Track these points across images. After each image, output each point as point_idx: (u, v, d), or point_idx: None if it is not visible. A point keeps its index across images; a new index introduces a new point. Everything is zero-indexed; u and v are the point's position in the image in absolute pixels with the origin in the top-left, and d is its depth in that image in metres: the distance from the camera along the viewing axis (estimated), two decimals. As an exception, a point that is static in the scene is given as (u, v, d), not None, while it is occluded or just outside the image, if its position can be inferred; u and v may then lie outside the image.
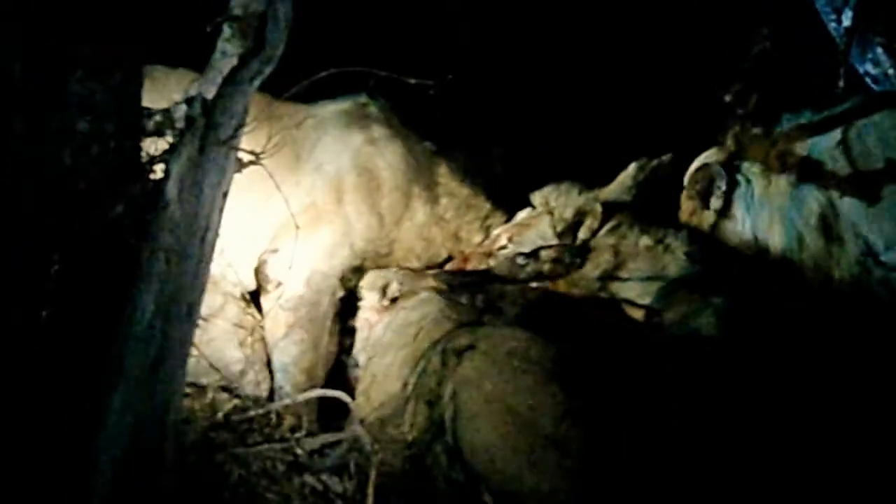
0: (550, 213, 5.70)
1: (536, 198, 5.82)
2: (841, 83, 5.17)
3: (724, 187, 5.21)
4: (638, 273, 5.30)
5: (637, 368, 4.50)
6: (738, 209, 5.25)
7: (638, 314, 5.23)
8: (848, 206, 4.80)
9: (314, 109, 5.61)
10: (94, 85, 3.08)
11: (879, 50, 5.11)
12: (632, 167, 5.55)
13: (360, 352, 5.19)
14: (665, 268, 5.29)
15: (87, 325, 3.09)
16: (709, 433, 4.16)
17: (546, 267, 5.14)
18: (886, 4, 5.17)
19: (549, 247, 5.24)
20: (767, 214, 5.12)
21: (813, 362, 4.42)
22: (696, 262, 5.29)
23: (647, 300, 5.22)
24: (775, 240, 5.07)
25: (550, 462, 4.04)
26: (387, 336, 5.03)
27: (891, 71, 5.10)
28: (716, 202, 5.23)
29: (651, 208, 5.52)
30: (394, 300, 5.18)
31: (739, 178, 5.24)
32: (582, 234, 5.49)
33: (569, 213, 5.60)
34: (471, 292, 5.35)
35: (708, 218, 5.31)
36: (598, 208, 5.52)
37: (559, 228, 5.57)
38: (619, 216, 5.51)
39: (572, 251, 5.17)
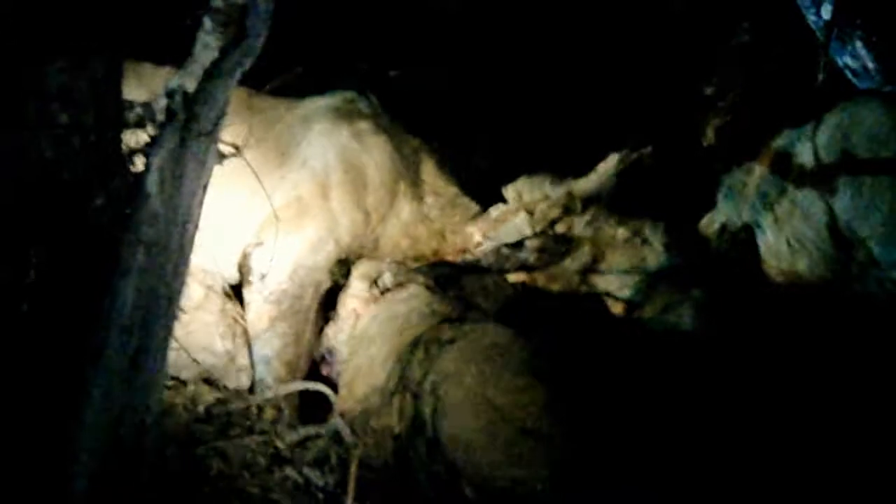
0: (526, 207, 5.70)
1: (509, 191, 5.80)
2: (821, 76, 5.19)
3: None
4: (617, 266, 5.30)
5: (616, 362, 4.53)
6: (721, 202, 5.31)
7: (618, 307, 5.24)
8: (844, 210, 4.83)
9: (300, 104, 5.59)
10: (74, 77, 3.08)
11: (859, 43, 5.12)
12: (612, 158, 5.53)
13: (343, 343, 5.17)
14: (644, 260, 5.30)
15: (66, 317, 3.09)
16: (688, 424, 4.19)
17: (531, 257, 5.15)
18: (866, -2, 5.20)
19: (534, 236, 5.23)
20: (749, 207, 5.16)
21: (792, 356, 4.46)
22: (675, 255, 5.30)
23: (626, 293, 5.23)
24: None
25: (530, 454, 4.08)
26: (373, 328, 5.02)
27: (870, 64, 5.12)
28: None
29: (631, 200, 5.52)
30: (384, 291, 5.17)
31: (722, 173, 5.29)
32: (560, 227, 5.49)
33: (545, 206, 5.61)
34: (456, 287, 5.35)
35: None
36: (578, 201, 5.52)
37: (536, 223, 5.58)
38: (598, 208, 5.51)
39: (555, 240, 5.16)
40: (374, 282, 5.20)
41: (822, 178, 4.89)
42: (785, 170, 5.05)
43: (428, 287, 5.25)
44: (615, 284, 5.29)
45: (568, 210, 5.50)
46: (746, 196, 5.18)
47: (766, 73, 5.46)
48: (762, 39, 5.47)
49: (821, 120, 4.93)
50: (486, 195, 5.92)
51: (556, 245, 5.27)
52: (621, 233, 5.37)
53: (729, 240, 5.21)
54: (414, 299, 5.11)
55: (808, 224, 4.92)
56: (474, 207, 5.89)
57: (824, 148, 4.90)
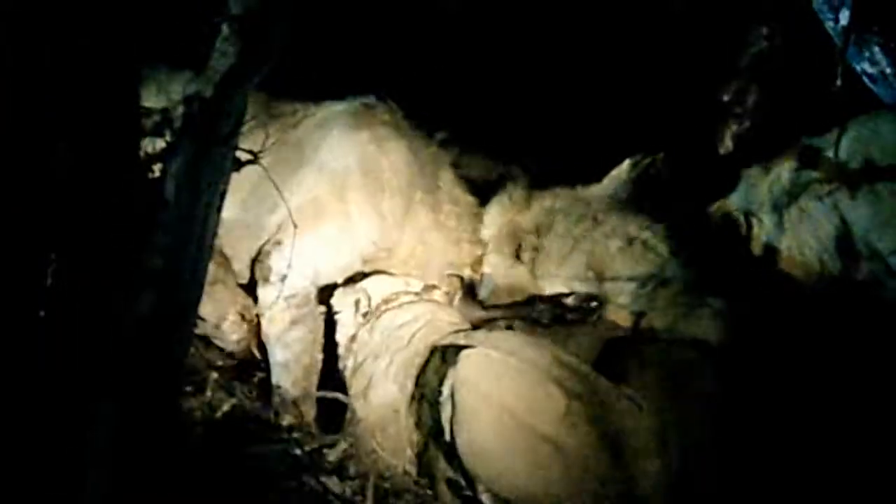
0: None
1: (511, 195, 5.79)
2: (838, 82, 5.19)
3: None
4: (621, 272, 5.26)
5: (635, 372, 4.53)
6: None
7: (621, 316, 5.18)
8: (861, 220, 4.85)
9: (318, 109, 5.58)
10: (92, 82, 3.08)
11: (877, 49, 5.10)
12: (626, 164, 5.51)
13: (344, 358, 5.12)
14: (652, 266, 5.26)
15: (83, 324, 3.10)
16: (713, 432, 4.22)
17: (568, 315, 5.07)
18: (884, 3, 5.17)
19: (570, 294, 5.16)
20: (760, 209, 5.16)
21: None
22: (686, 261, 5.26)
23: (632, 301, 5.18)
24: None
25: (549, 464, 4.08)
26: (375, 338, 4.98)
27: (888, 70, 5.10)
28: None
29: (644, 205, 5.50)
30: (365, 314, 5.12)
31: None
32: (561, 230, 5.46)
33: (542, 214, 5.58)
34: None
35: None
36: (590, 207, 5.49)
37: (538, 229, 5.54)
38: (609, 214, 5.47)
39: (593, 297, 5.10)
40: (356, 305, 5.13)
41: (838, 189, 4.90)
42: (799, 176, 5.06)
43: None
44: (620, 292, 5.24)
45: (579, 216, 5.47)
46: (760, 197, 5.17)
47: (784, 79, 5.46)
48: (780, 46, 5.46)
49: (844, 129, 4.94)
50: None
51: (591, 302, 5.18)
52: (627, 237, 5.33)
53: (734, 229, 5.20)
54: (414, 307, 5.08)
55: (816, 232, 4.94)
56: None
57: (844, 158, 4.92)
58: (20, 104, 2.96)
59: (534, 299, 5.13)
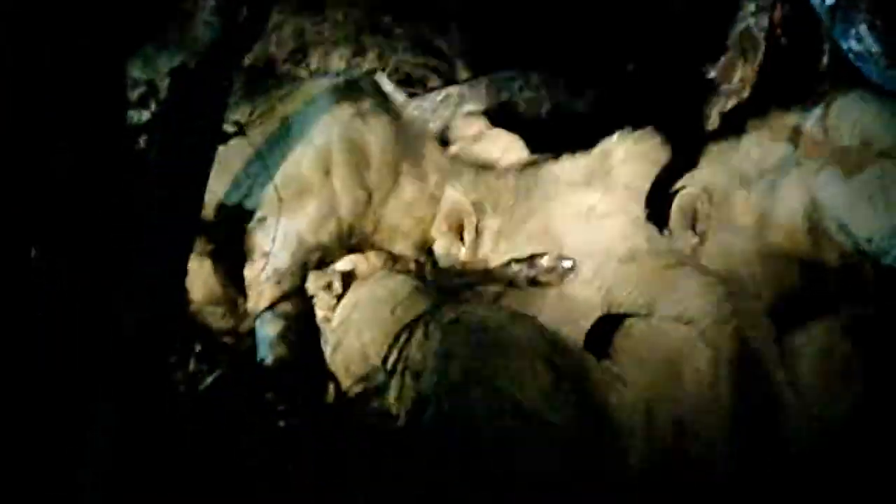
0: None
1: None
2: (825, 60, 5.22)
3: None
4: (596, 246, 5.26)
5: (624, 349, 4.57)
6: None
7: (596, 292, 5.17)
8: (830, 197, 4.92)
9: (304, 84, 5.60)
10: (79, 55, 3.08)
11: (863, 27, 5.11)
12: (615, 137, 5.52)
13: (326, 334, 5.11)
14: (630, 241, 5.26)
15: (70, 298, 3.11)
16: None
17: (542, 277, 5.08)
18: (870, -19, 5.20)
19: (544, 254, 5.16)
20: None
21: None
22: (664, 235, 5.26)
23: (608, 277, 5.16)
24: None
25: (534, 441, 4.11)
26: (355, 314, 4.97)
27: (875, 48, 5.11)
28: None
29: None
30: (339, 297, 5.11)
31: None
32: None
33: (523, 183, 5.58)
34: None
35: None
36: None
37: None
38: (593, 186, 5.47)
39: (567, 258, 5.10)
40: (328, 287, 5.12)
41: (812, 166, 4.95)
42: (773, 151, 5.11)
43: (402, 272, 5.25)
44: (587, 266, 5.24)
45: None
46: (731, 171, 5.20)
47: (771, 57, 5.48)
48: (767, 23, 5.48)
49: (828, 107, 5.01)
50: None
51: (565, 264, 5.17)
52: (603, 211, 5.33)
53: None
54: (390, 280, 5.08)
55: (786, 208, 5.02)
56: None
57: (824, 136, 4.97)
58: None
59: (508, 262, 5.12)
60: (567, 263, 5.01)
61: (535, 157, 5.71)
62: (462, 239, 5.37)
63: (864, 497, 4.18)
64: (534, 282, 5.05)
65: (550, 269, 5.02)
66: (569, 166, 5.42)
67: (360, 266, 5.17)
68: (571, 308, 4.99)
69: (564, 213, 5.28)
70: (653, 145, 5.38)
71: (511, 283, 5.07)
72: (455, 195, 5.44)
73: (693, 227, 5.08)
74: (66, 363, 3.05)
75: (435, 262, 5.47)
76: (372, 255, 5.27)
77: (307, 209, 5.22)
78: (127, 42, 3.35)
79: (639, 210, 5.26)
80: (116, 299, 3.13)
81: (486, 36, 6.62)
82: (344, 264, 5.13)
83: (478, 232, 5.35)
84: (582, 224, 5.22)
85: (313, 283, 5.08)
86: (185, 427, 4.12)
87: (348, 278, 5.05)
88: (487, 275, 5.17)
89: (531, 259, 5.10)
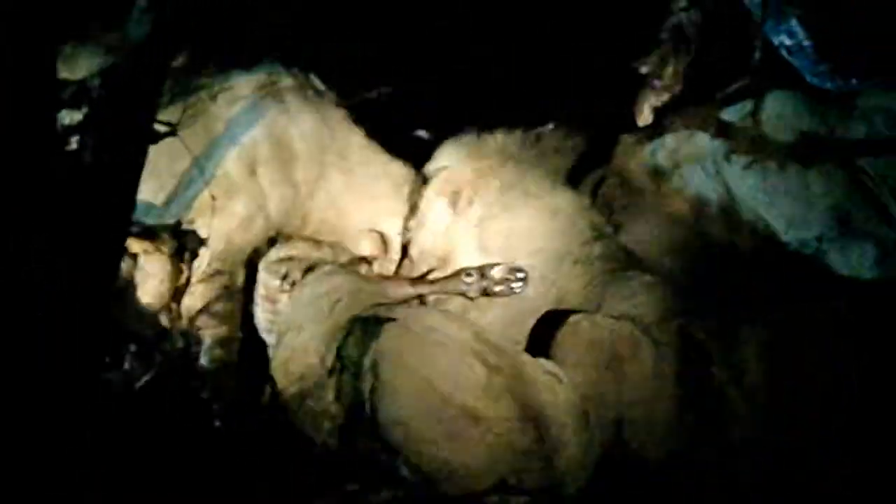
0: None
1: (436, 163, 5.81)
2: (757, 54, 5.28)
3: None
4: (546, 246, 5.31)
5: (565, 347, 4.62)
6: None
7: (548, 291, 5.21)
8: (749, 190, 5.02)
9: (228, 82, 5.57)
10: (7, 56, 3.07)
11: (794, 21, 5.19)
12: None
13: (265, 331, 5.12)
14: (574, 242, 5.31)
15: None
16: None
17: (496, 288, 5.09)
18: (802, -24, 5.26)
19: (496, 265, 5.17)
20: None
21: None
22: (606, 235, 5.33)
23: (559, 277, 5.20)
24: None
25: (469, 435, 4.15)
26: (296, 311, 4.99)
27: (806, 42, 5.19)
28: None
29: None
30: (284, 286, 5.12)
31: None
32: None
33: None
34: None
35: None
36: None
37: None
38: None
39: (519, 269, 5.10)
40: (284, 277, 5.13)
41: (739, 161, 5.06)
42: (688, 144, 5.24)
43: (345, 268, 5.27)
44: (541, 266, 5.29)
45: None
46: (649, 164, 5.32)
47: (703, 51, 5.53)
48: (699, 18, 5.52)
49: (758, 102, 5.12)
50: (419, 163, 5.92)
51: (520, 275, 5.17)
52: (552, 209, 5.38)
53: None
54: (334, 277, 5.10)
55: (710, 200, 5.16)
56: (403, 173, 5.87)
57: (750, 129, 5.08)
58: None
59: (460, 272, 5.14)
60: (520, 275, 5.03)
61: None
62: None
63: (809, 485, 4.27)
64: (486, 293, 5.06)
65: (503, 281, 5.04)
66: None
67: (306, 257, 5.19)
68: (521, 309, 5.05)
69: (510, 215, 5.33)
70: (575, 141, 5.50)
71: (462, 294, 5.08)
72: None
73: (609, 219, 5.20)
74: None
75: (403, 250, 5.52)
76: (324, 248, 5.29)
77: (235, 208, 5.24)
78: (55, 41, 3.33)
79: (578, 205, 5.33)
80: (43, 299, 3.12)
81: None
82: (291, 254, 5.15)
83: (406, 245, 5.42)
84: (524, 225, 5.27)
85: (259, 274, 5.09)
86: (119, 426, 4.12)
87: (306, 269, 5.08)
88: (437, 284, 5.18)
89: (482, 269, 5.11)
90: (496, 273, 5.04)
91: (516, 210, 5.27)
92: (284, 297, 5.04)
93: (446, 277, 5.18)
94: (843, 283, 4.78)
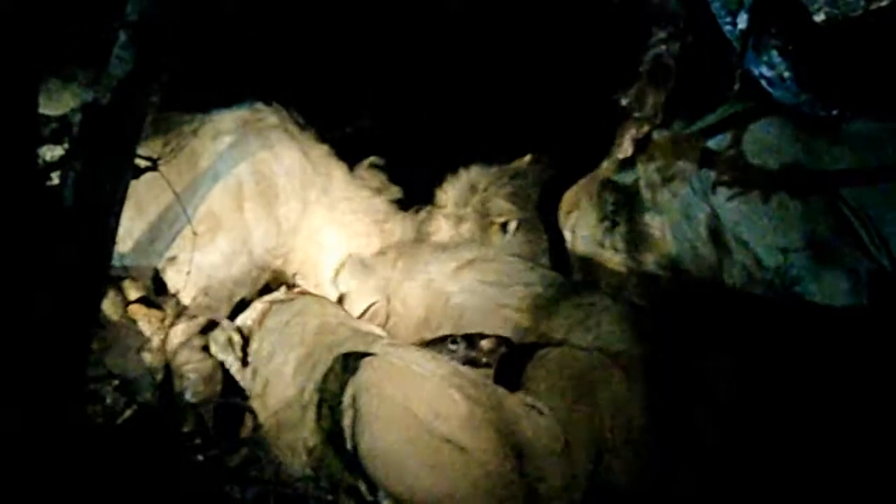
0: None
1: (449, 193, 6.02)
2: (737, 86, 5.36)
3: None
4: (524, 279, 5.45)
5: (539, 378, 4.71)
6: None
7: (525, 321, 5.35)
8: (731, 214, 5.16)
9: (210, 117, 5.72)
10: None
11: (774, 52, 5.26)
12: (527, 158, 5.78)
13: (241, 363, 5.18)
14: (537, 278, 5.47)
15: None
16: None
17: (483, 358, 5.14)
18: (781, 7, 5.33)
19: (486, 336, 5.24)
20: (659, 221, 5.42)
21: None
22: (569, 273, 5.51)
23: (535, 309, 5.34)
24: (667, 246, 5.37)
25: (451, 466, 4.20)
26: (267, 339, 5.07)
27: (786, 73, 5.25)
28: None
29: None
30: (244, 348, 5.16)
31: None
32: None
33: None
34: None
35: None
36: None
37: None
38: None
39: (505, 341, 5.21)
40: (230, 342, 5.16)
41: (721, 190, 5.22)
42: (671, 168, 5.44)
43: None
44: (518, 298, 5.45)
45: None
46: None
47: (683, 83, 5.61)
48: (679, 50, 5.60)
49: (726, 133, 5.26)
50: (401, 198, 6.06)
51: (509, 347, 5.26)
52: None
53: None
54: (298, 303, 5.20)
55: (689, 221, 5.31)
56: (384, 209, 6.08)
57: (734, 160, 5.23)
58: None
59: (446, 338, 5.26)
60: (504, 349, 5.12)
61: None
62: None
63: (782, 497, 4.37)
64: (471, 361, 5.10)
65: (490, 352, 5.15)
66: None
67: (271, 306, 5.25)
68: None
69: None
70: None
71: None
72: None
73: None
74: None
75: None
76: (281, 293, 5.36)
77: (219, 244, 5.35)
78: (37, 77, 3.42)
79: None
80: (24, 335, 3.19)
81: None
82: (243, 317, 5.23)
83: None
84: None
85: (214, 344, 5.14)
86: (100, 458, 4.18)
87: (251, 327, 5.14)
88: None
89: (470, 339, 5.23)
90: (485, 344, 5.14)
91: None
92: (254, 330, 5.11)
93: (431, 342, 5.33)
94: (816, 311, 4.88)
